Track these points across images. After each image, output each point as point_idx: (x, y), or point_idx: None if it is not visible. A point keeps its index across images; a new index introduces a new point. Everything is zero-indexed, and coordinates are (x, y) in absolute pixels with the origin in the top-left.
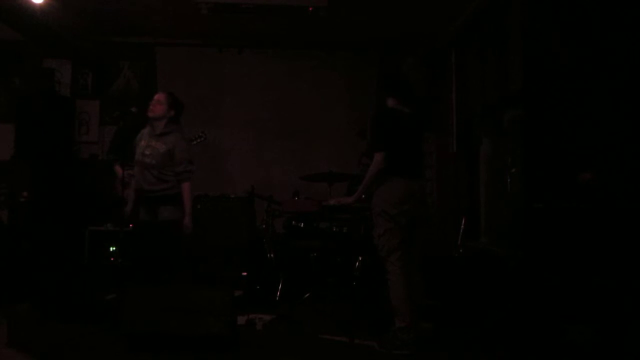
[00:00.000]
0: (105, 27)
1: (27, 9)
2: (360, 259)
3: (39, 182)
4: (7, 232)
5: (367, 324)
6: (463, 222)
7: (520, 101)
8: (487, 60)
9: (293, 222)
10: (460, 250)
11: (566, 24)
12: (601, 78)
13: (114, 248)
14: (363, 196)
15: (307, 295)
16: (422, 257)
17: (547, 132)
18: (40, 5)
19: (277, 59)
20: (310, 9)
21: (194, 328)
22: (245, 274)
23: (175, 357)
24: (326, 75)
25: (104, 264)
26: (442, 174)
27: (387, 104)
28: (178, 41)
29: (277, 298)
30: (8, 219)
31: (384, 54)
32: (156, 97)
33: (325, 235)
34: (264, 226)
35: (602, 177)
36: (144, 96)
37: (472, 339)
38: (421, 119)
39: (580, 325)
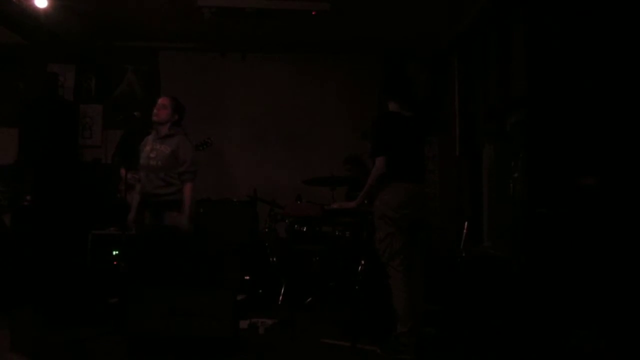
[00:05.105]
0: (109, 31)
1: (31, 14)
2: (362, 263)
3: (42, 186)
4: (10, 235)
5: (369, 329)
6: (466, 226)
7: (523, 105)
8: (491, 64)
9: (295, 226)
10: (463, 254)
11: (570, 28)
12: (605, 83)
13: (117, 252)
14: (365, 201)
15: (309, 299)
16: (425, 261)
17: (550, 137)
18: (44, 10)
19: (279, 63)
20: (314, 12)
21: (196, 331)
22: (247, 278)
23: None
24: (329, 78)
25: (107, 268)
26: (445, 178)
27: (388, 108)
28: (181, 45)
29: (280, 302)
30: (11, 223)
31: (387, 57)
32: (160, 101)
33: (327, 240)
34: (266, 230)
35: (605, 181)
36: (147, 100)
37: (475, 344)
38: (422, 123)
39: (584, 330)
